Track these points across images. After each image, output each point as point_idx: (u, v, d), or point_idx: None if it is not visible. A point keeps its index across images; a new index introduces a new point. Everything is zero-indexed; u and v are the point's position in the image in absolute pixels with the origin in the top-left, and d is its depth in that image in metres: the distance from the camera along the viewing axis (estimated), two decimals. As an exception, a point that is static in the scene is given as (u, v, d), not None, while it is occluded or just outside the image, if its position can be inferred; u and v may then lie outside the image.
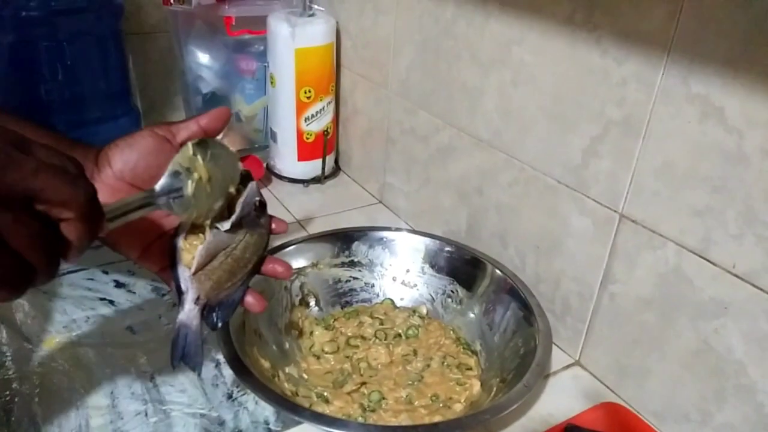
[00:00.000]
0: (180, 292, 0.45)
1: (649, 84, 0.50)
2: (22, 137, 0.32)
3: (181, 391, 0.58)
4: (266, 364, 0.57)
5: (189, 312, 0.45)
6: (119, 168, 0.46)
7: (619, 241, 0.57)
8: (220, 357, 0.60)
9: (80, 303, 0.68)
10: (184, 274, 0.45)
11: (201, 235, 0.46)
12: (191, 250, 0.45)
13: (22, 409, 0.55)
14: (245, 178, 0.48)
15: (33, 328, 0.64)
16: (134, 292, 0.70)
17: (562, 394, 0.60)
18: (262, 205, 0.50)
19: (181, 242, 0.46)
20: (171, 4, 0.88)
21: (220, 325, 0.48)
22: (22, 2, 0.79)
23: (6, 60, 0.83)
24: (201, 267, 0.45)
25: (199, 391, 0.58)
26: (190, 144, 0.43)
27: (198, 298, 0.45)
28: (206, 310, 0.46)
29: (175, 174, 0.42)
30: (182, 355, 0.45)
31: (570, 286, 0.63)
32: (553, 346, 0.63)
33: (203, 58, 0.96)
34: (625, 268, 0.57)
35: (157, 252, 0.48)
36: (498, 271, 0.65)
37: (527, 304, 0.61)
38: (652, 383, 0.56)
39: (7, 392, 0.56)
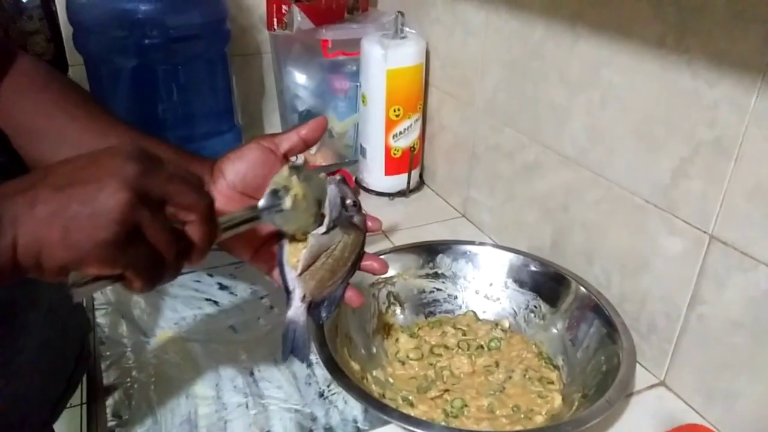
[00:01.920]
0: (288, 292, 0.50)
1: (742, 107, 0.51)
2: (157, 155, 0.38)
3: (278, 387, 0.62)
4: (356, 367, 0.60)
5: (296, 309, 0.50)
6: (231, 179, 0.51)
7: (708, 262, 0.56)
8: (313, 357, 0.65)
9: (188, 302, 0.75)
10: (291, 275, 0.50)
11: (304, 239, 0.51)
12: (296, 254, 0.50)
13: (141, 395, 0.61)
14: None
15: (148, 323, 0.71)
16: (235, 294, 0.77)
17: (646, 414, 0.60)
18: (356, 205, 0.54)
19: (286, 247, 0.51)
20: (275, 29, 0.95)
21: (324, 320, 0.53)
22: (145, 31, 0.88)
23: (129, 82, 0.93)
24: (305, 269, 0.50)
25: (294, 388, 0.62)
26: (286, 166, 0.48)
27: (304, 297, 0.50)
28: (312, 306, 0.51)
29: (275, 192, 0.47)
30: (292, 348, 0.50)
31: (656, 305, 0.63)
32: (638, 366, 0.63)
33: (300, 78, 1.03)
34: (715, 289, 0.56)
35: (266, 255, 0.53)
36: (582, 288, 0.66)
37: (611, 321, 0.62)
38: (742, 406, 0.55)
39: (128, 379, 0.63)
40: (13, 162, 0.52)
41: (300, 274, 0.50)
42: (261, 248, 0.53)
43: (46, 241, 0.34)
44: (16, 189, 0.35)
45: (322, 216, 0.51)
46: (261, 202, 0.47)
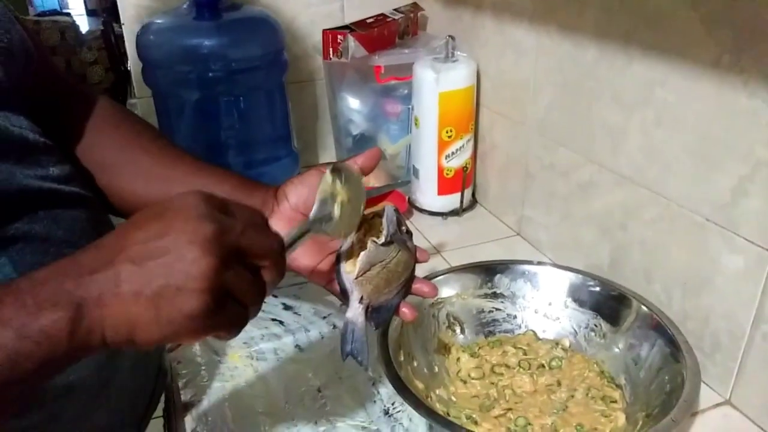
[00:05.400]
0: (345, 294, 0.53)
1: (804, 125, 0.51)
2: (222, 200, 0.39)
3: (344, 405, 0.65)
4: (420, 385, 0.62)
5: (355, 310, 0.53)
6: (294, 201, 0.56)
7: (773, 280, 0.56)
8: (376, 374, 0.67)
9: (256, 322, 0.78)
10: (349, 278, 0.53)
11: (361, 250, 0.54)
12: (353, 263, 0.53)
13: (216, 412, 0.64)
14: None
15: (219, 342, 0.75)
16: (300, 314, 0.80)
17: (713, 434, 0.60)
18: (409, 233, 0.58)
19: (344, 256, 0.54)
20: (330, 58, 0.99)
21: (381, 325, 0.55)
22: (208, 65, 0.93)
23: (192, 112, 0.98)
24: (362, 273, 0.53)
25: (360, 406, 0.65)
26: (328, 172, 0.50)
27: (362, 298, 0.53)
28: (369, 311, 0.53)
29: (323, 201, 0.49)
30: (351, 350, 0.52)
31: (720, 323, 0.63)
32: (702, 384, 0.63)
33: (354, 103, 1.07)
34: (781, 307, 0.56)
35: (324, 270, 0.57)
36: (644, 307, 0.66)
37: (674, 340, 0.62)
38: (813, 428, 0.55)
39: (204, 396, 0.66)
40: (98, 197, 0.57)
41: (357, 278, 0.52)
42: (318, 265, 0.56)
43: (139, 322, 0.34)
44: (93, 266, 0.35)
45: (365, 217, 0.54)
46: (312, 214, 0.48)
